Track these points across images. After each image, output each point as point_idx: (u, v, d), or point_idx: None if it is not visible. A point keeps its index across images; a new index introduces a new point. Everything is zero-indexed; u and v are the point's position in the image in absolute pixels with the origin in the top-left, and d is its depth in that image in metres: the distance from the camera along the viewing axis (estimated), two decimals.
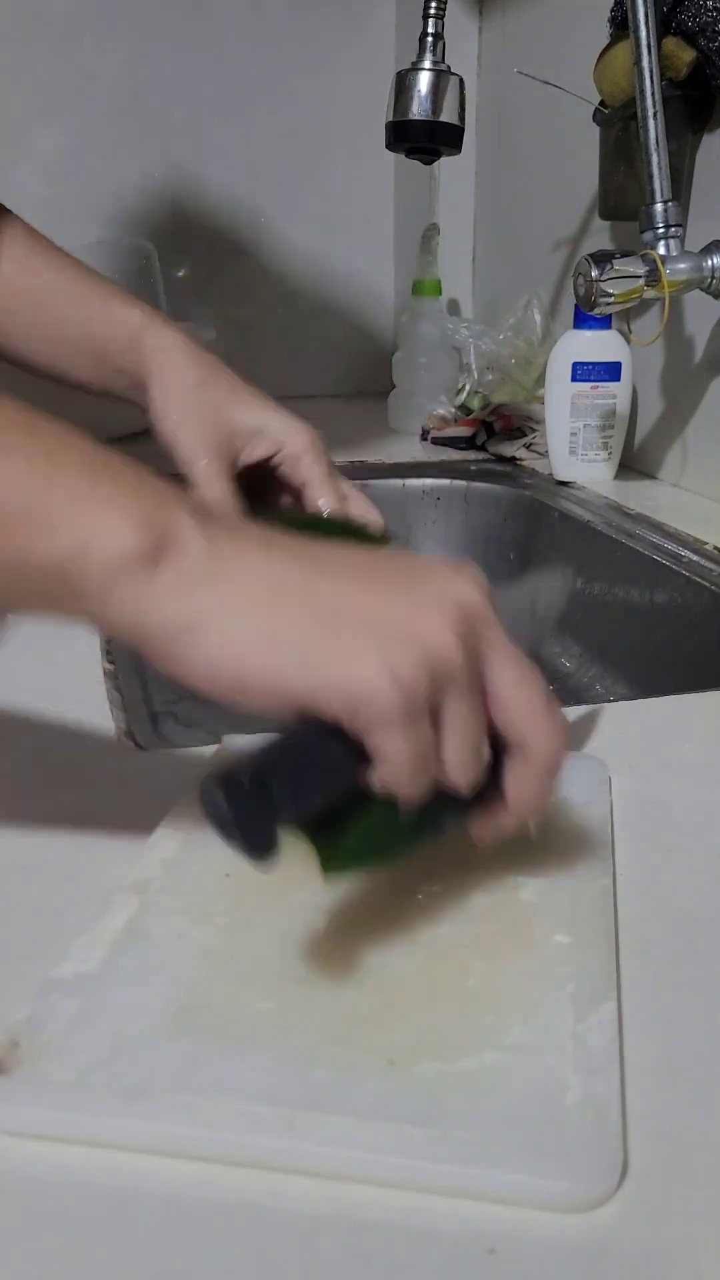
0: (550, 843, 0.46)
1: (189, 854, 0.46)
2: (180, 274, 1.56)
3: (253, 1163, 0.32)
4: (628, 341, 1.07)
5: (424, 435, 1.32)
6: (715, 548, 0.91)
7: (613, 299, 0.91)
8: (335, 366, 1.65)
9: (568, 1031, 0.36)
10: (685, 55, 0.93)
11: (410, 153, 1.01)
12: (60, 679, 0.66)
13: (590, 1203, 0.30)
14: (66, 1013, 0.37)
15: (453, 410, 1.31)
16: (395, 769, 0.36)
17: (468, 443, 1.27)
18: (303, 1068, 0.34)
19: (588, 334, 1.07)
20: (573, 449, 1.10)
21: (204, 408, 0.64)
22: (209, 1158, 0.32)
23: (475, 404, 1.30)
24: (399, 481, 1.26)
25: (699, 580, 0.89)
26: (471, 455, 1.26)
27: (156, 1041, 0.35)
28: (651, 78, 0.88)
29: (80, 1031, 0.36)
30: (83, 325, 0.66)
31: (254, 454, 0.65)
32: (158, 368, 0.65)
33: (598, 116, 1.07)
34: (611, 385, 1.07)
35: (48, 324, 0.67)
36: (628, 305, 0.92)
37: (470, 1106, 0.33)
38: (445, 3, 0.93)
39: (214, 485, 0.62)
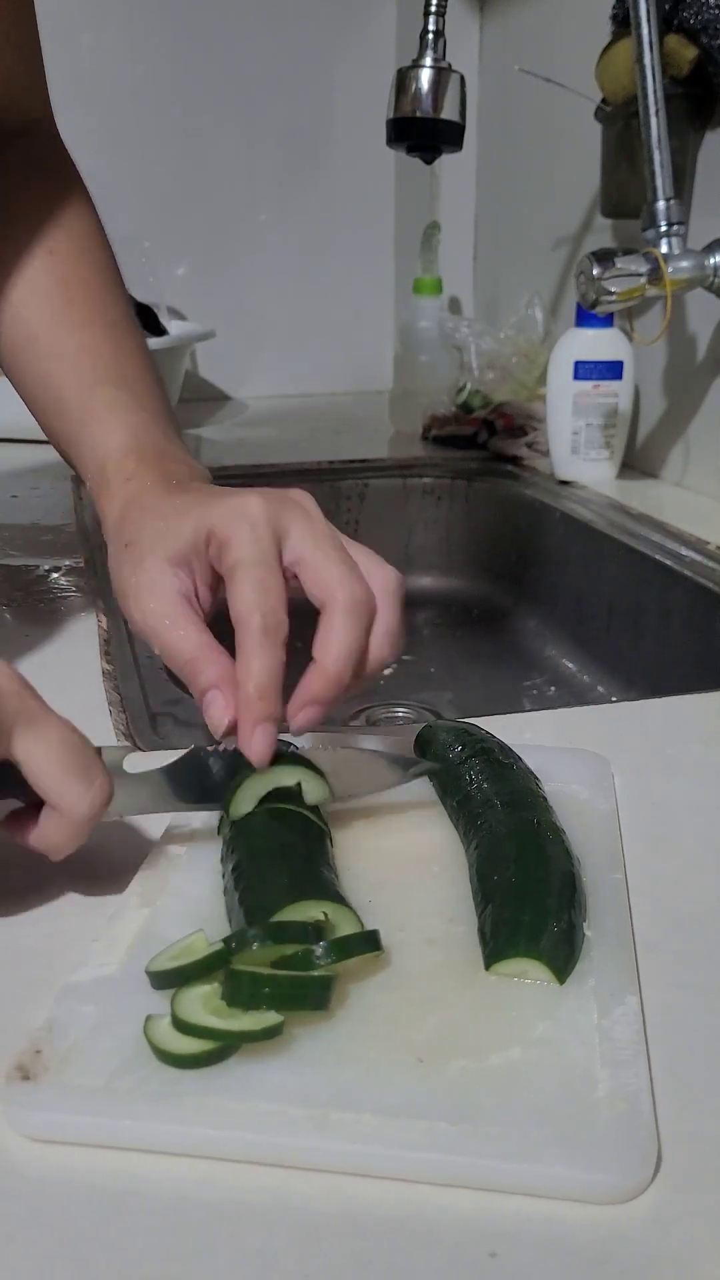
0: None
1: (195, 855, 0.46)
2: (180, 272, 1.56)
3: (287, 1163, 0.32)
4: (630, 340, 1.07)
5: (425, 434, 1.32)
6: (717, 547, 0.91)
7: (615, 297, 0.91)
8: (335, 365, 1.65)
9: (592, 1025, 0.36)
10: (687, 53, 0.93)
11: (411, 150, 1.01)
12: (59, 679, 0.66)
13: (627, 1194, 0.30)
14: (87, 1018, 0.36)
15: (454, 409, 1.31)
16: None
17: (469, 441, 1.27)
18: (331, 1068, 0.34)
19: (590, 332, 1.07)
20: (574, 448, 1.10)
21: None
22: (242, 1159, 0.32)
23: (476, 402, 1.30)
24: (399, 480, 1.26)
25: (701, 580, 0.89)
26: (473, 454, 1.26)
27: None
28: (653, 75, 0.88)
29: (103, 1036, 0.35)
30: (65, 439, 0.62)
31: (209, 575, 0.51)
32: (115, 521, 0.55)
33: (599, 114, 1.07)
34: (613, 384, 1.07)
35: (42, 414, 0.64)
36: (630, 303, 0.92)
37: (501, 1102, 0.32)
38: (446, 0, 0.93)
39: (186, 641, 0.49)
